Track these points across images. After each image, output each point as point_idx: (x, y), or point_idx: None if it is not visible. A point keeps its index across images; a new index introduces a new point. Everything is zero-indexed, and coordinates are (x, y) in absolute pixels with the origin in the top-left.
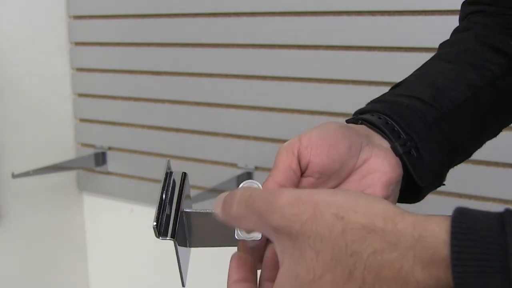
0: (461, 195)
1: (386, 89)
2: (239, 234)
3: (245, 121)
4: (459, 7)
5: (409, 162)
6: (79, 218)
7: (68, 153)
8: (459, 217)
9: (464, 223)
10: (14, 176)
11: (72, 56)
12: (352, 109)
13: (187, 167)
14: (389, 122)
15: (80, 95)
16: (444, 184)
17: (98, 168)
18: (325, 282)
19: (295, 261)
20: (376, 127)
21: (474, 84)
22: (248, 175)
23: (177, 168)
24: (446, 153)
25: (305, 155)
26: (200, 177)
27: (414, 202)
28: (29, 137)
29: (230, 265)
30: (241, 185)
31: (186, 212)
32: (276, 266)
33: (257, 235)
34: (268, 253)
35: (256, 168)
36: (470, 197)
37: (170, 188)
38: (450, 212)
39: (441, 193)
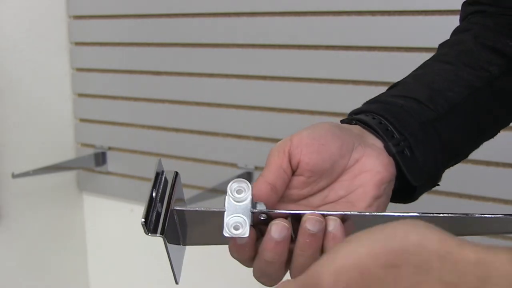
0: (461, 195)
1: (385, 89)
2: (227, 231)
3: (245, 121)
4: (459, 7)
5: (402, 162)
6: (79, 218)
7: (68, 153)
8: None
9: None
10: (14, 176)
11: (72, 56)
12: (351, 109)
13: (187, 167)
14: (383, 122)
15: (80, 95)
16: (438, 185)
17: (98, 168)
18: None
19: None
20: (369, 127)
21: (472, 85)
22: (248, 175)
23: (178, 168)
24: (441, 153)
25: (296, 154)
26: (200, 177)
27: (408, 202)
28: (29, 137)
29: None
30: (230, 184)
31: (177, 210)
32: None
33: (244, 232)
34: None
35: (256, 168)
36: (470, 197)
37: (161, 187)
38: (449, 211)
39: (441, 193)
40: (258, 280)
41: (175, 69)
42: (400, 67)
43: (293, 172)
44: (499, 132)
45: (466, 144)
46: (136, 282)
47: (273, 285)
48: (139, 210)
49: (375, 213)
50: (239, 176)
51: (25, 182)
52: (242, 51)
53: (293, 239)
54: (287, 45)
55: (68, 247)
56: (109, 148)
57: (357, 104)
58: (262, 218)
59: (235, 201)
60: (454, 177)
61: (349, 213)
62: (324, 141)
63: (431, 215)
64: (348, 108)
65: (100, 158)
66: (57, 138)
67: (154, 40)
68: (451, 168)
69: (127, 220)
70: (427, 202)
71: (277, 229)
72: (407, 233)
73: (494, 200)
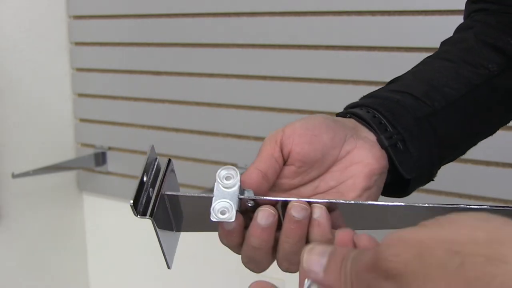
0: (461, 195)
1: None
2: (214, 216)
3: (245, 121)
4: (459, 7)
5: (395, 155)
6: (79, 218)
7: (68, 153)
8: None
9: None
10: (14, 176)
11: (72, 56)
12: None
13: (187, 167)
14: (377, 116)
15: (80, 95)
16: (433, 180)
17: (98, 168)
18: None
19: None
20: (363, 121)
21: (470, 82)
22: None
23: (178, 168)
24: (437, 149)
25: (287, 144)
26: (200, 177)
27: (402, 196)
28: (29, 137)
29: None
30: (219, 171)
31: (167, 194)
32: None
33: (230, 217)
34: None
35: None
36: (470, 197)
37: (154, 172)
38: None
39: (441, 193)
40: (246, 266)
41: (175, 69)
42: (400, 67)
43: (285, 162)
44: (498, 129)
45: (463, 141)
46: (136, 282)
47: (260, 272)
48: None
49: (360, 201)
50: None
51: (25, 182)
52: (242, 51)
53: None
54: (287, 45)
55: (68, 247)
56: (109, 148)
57: None
58: (250, 204)
59: (223, 187)
60: (454, 177)
61: (334, 201)
62: (316, 132)
63: (416, 205)
64: None
65: (100, 158)
66: (57, 138)
67: (154, 40)
68: (451, 168)
69: (127, 220)
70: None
71: (264, 216)
72: (474, 227)
73: (494, 200)
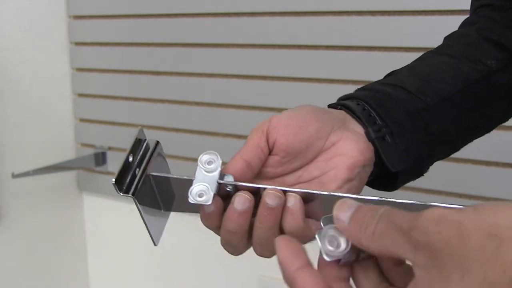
0: (461, 195)
1: None
2: (191, 198)
3: (245, 121)
4: (459, 7)
5: (381, 148)
6: (79, 218)
7: (68, 153)
8: None
9: None
10: (14, 176)
11: (72, 56)
12: None
13: (187, 167)
14: (366, 108)
15: (80, 95)
16: (423, 175)
17: (98, 168)
18: None
19: (433, 280)
20: (353, 113)
21: (467, 78)
22: None
23: (178, 168)
24: (427, 144)
25: (273, 134)
26: None
27: (390, 190)
28: (29, 137)
29: (282, 251)
30: (201, 156)
31: (152, 175)
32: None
33: (207, 200)
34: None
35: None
36: (470, 197)
37: (141, 153)
38: None
39: (440, 192)
40: (224, 248)
41: (175, 69)
42: (400, 67)
43: (270, 151)
44: (498, 125)
45: (456, 137)
46: (136, 282)
47: (238, 255)
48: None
49: (335, 193)
50: None
51: (25, 182)
52: (242, 51)
53: None
54: (287, 45)
55: (68, 247)
56: (109, 148)
57: None
58: (228, 189)
59: (205, 171)
60: (454, 177)
61: (308, 191)
62: (301, 123)
63: (390, 200)
64: None
65: (100, 158)
66: (57, 138)
67: (154, 40)
68: (451, 168)
69: (127, 220)
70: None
71: (240, 201)
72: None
73: (495, 200)
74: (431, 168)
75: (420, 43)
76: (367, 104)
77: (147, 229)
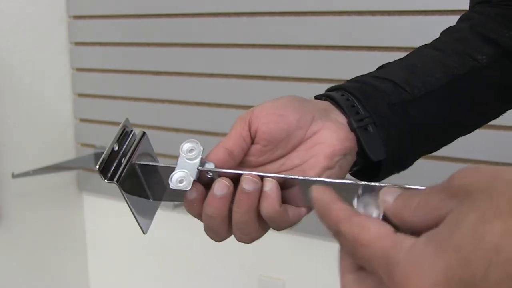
0: None
1: None
2: (171, 184)
3: None
4: (459, 7)
5: (363, 137)
6: (79, 218)
7: (68, 153)
8: None
9: None
10: (14, 176)
11: (72, 56)
12: None
13: None
14: (350, 99)
15: (80, 95)
16: (407, 168)
17: None
18: (493, 228)
19: (463, 209)
20: (336, 103)
21: (454, 72)
22: None
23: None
24: (412, 136)
25: (255, 123)
26: None
27: (375, 181)
28: (29, 137)
29: (315, 190)
30: (183, 144)
31: (137, 164)
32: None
33: (187, 186)
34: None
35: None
36: None
37: (127, 143)
38: None
39: None
40: (207, 235)
41: (175, 69)
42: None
43: (253, 141)
44: (486, 123)
45: (445, 131)
46: (136, 282)
47: (220, 241)
48: None
49: (309, 177)
50: None
51: (25, 182)
52: (242, 51)
53: None
54: (287, 45)
55: (68, 247)
56: None
57: None
58: (209, 176)
59: (186, 159)
60: None
61: (285, 176)
62: (283, 112)
63: (364, 183)
64: None
65: (100, 158)
66: (57, 138)
67: (154, 40)
68: (452, 168)
69: (127, 220)
70: None
71: (219, 187)
72: None
73: None
74: (432, 168)
75: (420, 43)
76: (352, 95)
77: (134, 217)
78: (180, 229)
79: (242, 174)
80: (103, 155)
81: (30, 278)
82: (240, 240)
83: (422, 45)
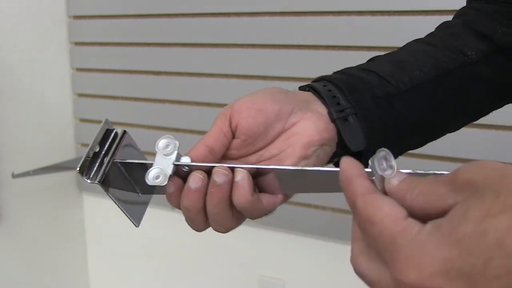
0: None
1: None
2: (149, 180)
3: None
4: (458, 7)
5: (342, 127)
6: (79, 218)
7: (68, 153)
8: None
9: None
10: (14, 176)
11: (72, 56)
12: None
13: None
14: (331, 90)
15: (80, 95)
16: None
17: None
18: (498, 223)
19: (469, 203)
20: (318, 94)
21: (443, 67)
22: None
23: None
24: (396, 130)
25: (235, 119)
26: None
27: None
28: (29, 137)
29: (344, 161)
30: (159, 140)
31: (118, 162)
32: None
33: (163, 181)
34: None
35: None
36: None
37: (109, 143)
38: None
39: None
40: (188, 225)
41: (175, 69)
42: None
43: (234, 135)
44: (476, 120)
45: (432, 126)
46: (136, 282)
47: (200, 231)
48: None
49: (279, 166)
50: None
51: (25, 182)
52: (242, 51)
53: None
54: (287, 45)
55: (68, 247)
56: None
57: None
58: (185, 169)
59: (162, 155)
60: None
61: (255, 166)
62: (261, 106)
63: (328, 169)
64: None
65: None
66: (57, 138)
67: (154, 40)
68: (452, 168)
69: (127, 220)
70: None
71: (194, 180)
72: None
73: None
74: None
75: None
76: (336, 86)
77: (123, 212)
78: (180, 229)
79: (214, 167)
80: (84, 157)
81: (30, 278)
82: (216, 230)
83: (415, 39)
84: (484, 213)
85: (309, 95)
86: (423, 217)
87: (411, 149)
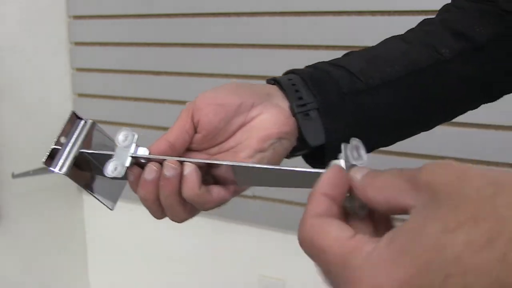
0: None
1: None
2: (107, 172)
3: None
4: None
5: (302, 122)
6: (79, 218)
7: None
8: None
9: None
10: (14, 176)
11: (72, 56)
12: None
13: None
14: (296, 84)
15: (80, 95)
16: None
17: None
18: (455, 238)
19: (427, 213)
20: (281, 88)
21: (415, 64)
22: None
23: None
24: (362, 126)
25: (196, 115)
26: None
27: (321, 167)
28: (29, 137)
29: (328, 174)
30: (118, 133)
31: (85, 152)
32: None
33: (120, 173)
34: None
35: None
36: None
37: (75, 134)
38: None
39: None
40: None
41: (175, 69)
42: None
43: (196, 130)
44: (451, 119)
45: (402, 124)
46: (136, 282)
47: (160, 219)
48: (139, 210)
49: (228, 162)
50: None
51: (25, 182)
52: (242, 51)
53: None
54: (287, 45)
55: (68, 247)
56: None
57: None
58: (143, 161)
59: (121, 147)
60: None
61: (205, 161)
62: (223, 101)
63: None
64: None
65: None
66: None
67: (154, 40)
68: (377, 147)
69: (127, 220)
70: None
71: (148, 171)
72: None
73: None
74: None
75: None
76: (303, 80)
77: (96, 198)
78: (179, 229)
79: (165, 159)
80: (49, 149)
81: (30, 278)
82: (172, 220)
83: (394, 36)
84: (442, 227)
85: (273, 88)
86: (385, 212)
87: (382, 146)
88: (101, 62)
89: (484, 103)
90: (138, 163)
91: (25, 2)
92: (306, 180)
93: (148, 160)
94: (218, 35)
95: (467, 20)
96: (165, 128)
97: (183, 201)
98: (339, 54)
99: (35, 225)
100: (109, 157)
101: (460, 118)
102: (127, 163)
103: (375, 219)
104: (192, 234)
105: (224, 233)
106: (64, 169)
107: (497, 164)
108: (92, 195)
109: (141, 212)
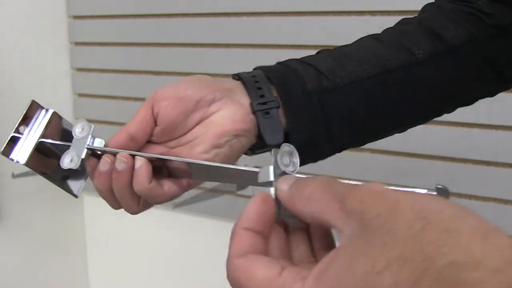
0: (461, 195)
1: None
2: (63, 163)
3: None
4: None
5: (261, 120)
6: (79, 218)
7: None
8: None
9: None
10: (14, 176)
11: (72, 56)
12: None
13: None
14: (259, 81)
15: (80, 95)
16: (323, 158)
17: None
18: (384, 279)
19: (356, 248)
20: (244, 84)
21: (384, 65)
22: None
23: None
24: (327, 125)
25: (156, 108)
26: None
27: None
28: None
29: (249, 207)
30: (75, 123)
31: (45, 142)
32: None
33: (75, 164)
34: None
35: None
36: (470, 197)
37: (34, 123)
38: None
39: None
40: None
41: (175, 69)
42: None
43: (156, 123)
44: (426, 121)
45: (370, 125)
46: (136, 282)
47: (116, 209)
48: None
49: (178, 158)
50: None
51: (25, 182)
52: (242, 51)
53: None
54: (287, 45)
55: (68, 247)
56: None
57: None
58: (99, 153)
59: (77, 138)
60: (453, 177)
61: (157, 156)
62: (183, 95)
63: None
64: None
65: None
66: None
67: (154, 40)
68: (452, 168)
69: (127, 220)
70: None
71: (102, 163)
72: (446, 204)
73: (494, 200)
74: (433, 170)
75: None
76: (267, 77)
77: (59, 187)
78: (180, 229)
79: (118, 153)
80: (7, 139)
81: (30, 278)
82: (126, 211)
83: (369, 34)
84: (370, 266)
85: (235, 84)
86: (314, 225)
87: (353, 146)
88: (101, 62)
89: (459, 107)
90: (95, 154)
91: (25, 2)
92: (252, 178)
93: (103, 152)
94: (218, 35)
95: (445, 21)
96: None
97: (135, 194)
98: None
99: (35, 225)
100: (68, 147)
101: (460, 118)
102: (83, 155)
103: (311, 228)
104: (192, 235)
105: (224, 233)
106: (22, 158)
107: (497, 164)
108: (53, 183)
109: (141, 213)
